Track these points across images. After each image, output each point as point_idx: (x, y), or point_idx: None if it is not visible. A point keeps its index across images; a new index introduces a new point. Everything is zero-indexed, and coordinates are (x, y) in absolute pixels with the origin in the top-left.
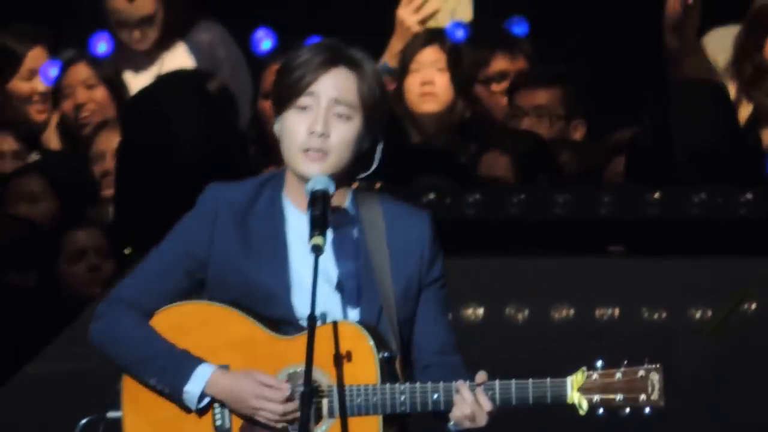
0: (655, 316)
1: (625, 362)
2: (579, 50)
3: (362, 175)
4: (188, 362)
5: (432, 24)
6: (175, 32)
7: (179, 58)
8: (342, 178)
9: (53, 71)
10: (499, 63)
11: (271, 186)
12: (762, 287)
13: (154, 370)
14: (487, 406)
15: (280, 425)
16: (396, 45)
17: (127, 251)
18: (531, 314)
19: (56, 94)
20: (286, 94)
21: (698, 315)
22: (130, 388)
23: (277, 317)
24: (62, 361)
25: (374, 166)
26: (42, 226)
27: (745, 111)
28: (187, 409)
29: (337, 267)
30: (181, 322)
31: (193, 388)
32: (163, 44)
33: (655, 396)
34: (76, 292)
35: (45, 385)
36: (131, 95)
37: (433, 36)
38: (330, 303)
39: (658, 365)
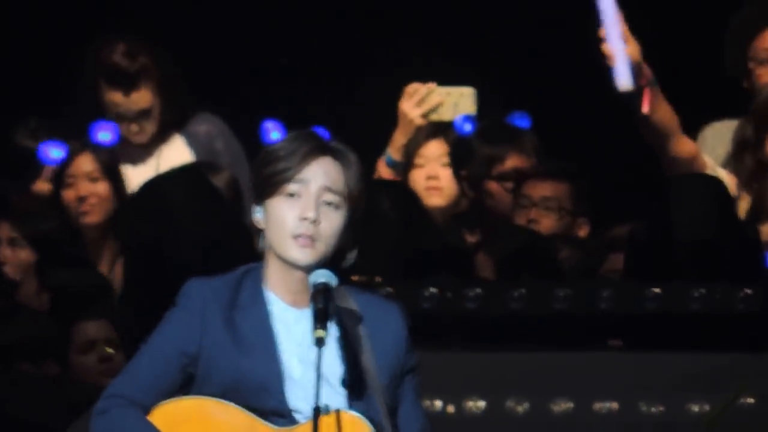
0: (653, 409)
1: None
2: (579, 146)
3: (346, 264)
4: None
5: (435, 117)
6: (172, 125)
7: (177, 150)
8: (324, 265)
9: (56, 153)
10: (513, 160)
11: (251, 279)
12: (759, 381)
13: None
14: None
15: None
16: (399, 138)
17: (108, 350)
18: (531, 407)
19: (58, 180)
20: (273, 181)
21: (696, 409)
22: None
23: (268, 409)
24: None
25: (350, 263)
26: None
27: (744, 205)
28: None
29: (324, 359)
30: (179, 418)
31: None
32: (161, 137)
33: None
34: (87, 383)
35: None
36: (134, 189)
37: (438, 129)
38: (323, 393)
39: None
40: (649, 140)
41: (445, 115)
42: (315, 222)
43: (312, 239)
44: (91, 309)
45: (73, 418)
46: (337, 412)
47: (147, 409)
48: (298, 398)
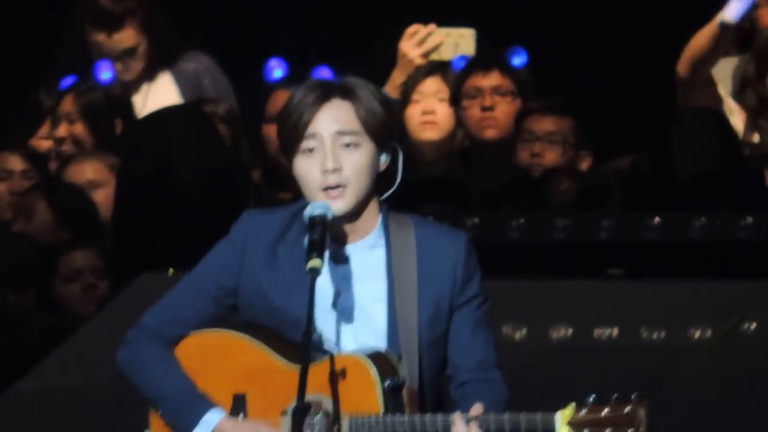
0: (654, 336)
1: (614, 397)
2: (581, 80)
3: (389, 192)
4: (199, 407)
5: (435, 57)
6: (160, 63)
7: (164, 87)
8: (366, 202)
9: (106, 74)
10: (473, 80)
11: (302, 215)
12: (761, 308)
13: (167, 410)
14: None
15: None
16: (398, 77)
17: (169, 272)
18: (529, 334)
19: (54, 115)
20: (290, 140)
21: (697, 336)
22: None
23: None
24: (54, 378)
25: (398, 179)
26: (41, 243)
27: (751, 138)
28: None
29: (360, 292)
30: (201, 351)
31: None
32: (149, 75)
33: (642, 430)
34: (71, 312)
35: (35, 402)
36: (134, 123)
37: (435, 67)
38: (348, 328)
39: (645, 401)
40: (693, 65)
41: (445, 55)
42: (336, 171)
43: (341, 188)
44: (79, 238)
45: (55, 346)
46: (331, 356)
47: (174, 339)
48: (337, 332)
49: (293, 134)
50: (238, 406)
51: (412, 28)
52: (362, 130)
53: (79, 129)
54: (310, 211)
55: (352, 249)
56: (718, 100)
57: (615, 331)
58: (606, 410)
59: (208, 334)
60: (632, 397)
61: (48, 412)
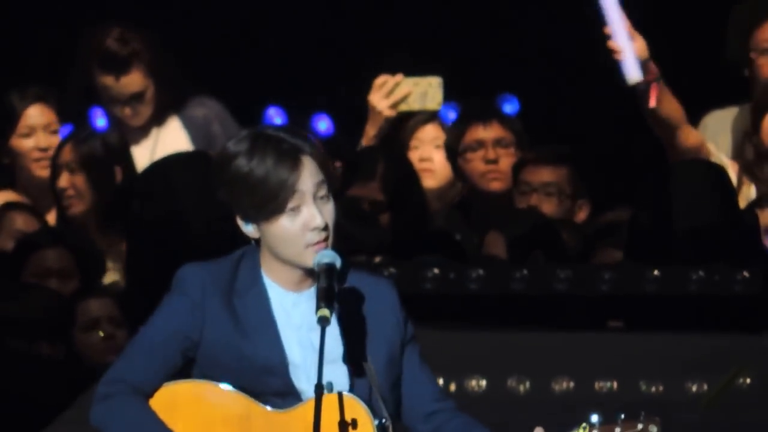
0: (653, 389)
1: (622, 416)
2: (577, 131)
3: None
4: None
5: (403, 108)
6: (168, 108)
7: (173, 133)
8: None
9: (101, 121)
10: (473, 132)
11: (247, 264)
12: (757, 362)
13: None
14: None
15: None
16: (370, 130)
17: (100, 333)
18: (532, 386)
19: (55, 162)
20: (276, 203)
21: (695, 389)
22: None
23: (274, 392)
24: (76, 428)
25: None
26: (65, 297)
27: (747, 192)
28: None
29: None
30: (177, 401)
31: None
32: (157, 120)
33: None
34: (91, 361)
35: None
36: (140, 169)
37: (434, 114)
38: (315, 373)
39: (656, 418)
40: (657, 132)
41: (413, 105)
42: (326, 226)
43: (326, 240)
44: (95, 287)
45: (76, 397)
46: (339, 393)
47: (148, 394)
48: (300, 381)
49: (279, 196)
50: None
51: (380, 79)
52: (328, 180)
53: (80, 180)
54: (318, 259)
55: (306, 297)
56: (708, 155)
57: (615, 384)
58: (617, 430)
59: (179, 384)
60: (641, 414)
61: None
